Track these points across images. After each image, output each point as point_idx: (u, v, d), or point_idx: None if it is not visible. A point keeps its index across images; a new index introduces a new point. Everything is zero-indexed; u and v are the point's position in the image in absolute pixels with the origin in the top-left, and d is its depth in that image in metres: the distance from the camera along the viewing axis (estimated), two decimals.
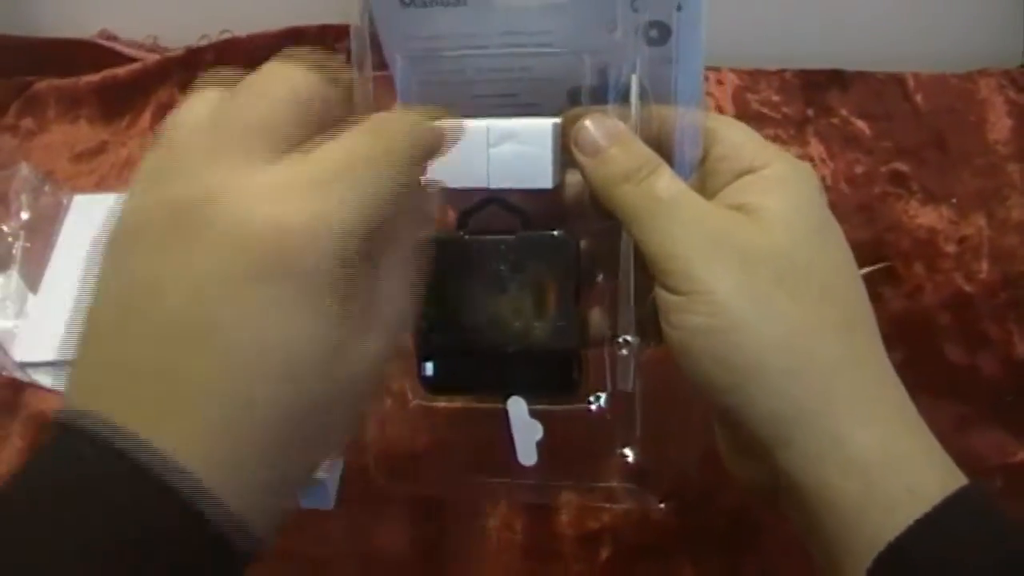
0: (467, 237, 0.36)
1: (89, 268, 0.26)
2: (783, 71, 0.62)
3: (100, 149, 0.65)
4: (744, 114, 0.61)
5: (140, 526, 0.22)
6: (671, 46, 0.33)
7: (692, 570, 0.42)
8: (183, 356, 0.24)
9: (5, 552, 0.22)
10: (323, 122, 0.27)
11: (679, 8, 0.33)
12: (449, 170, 0.31)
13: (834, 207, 0.32)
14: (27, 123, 0.66)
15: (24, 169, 0.61)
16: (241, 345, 0.24)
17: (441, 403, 0.40)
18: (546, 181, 0.34)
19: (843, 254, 0.31)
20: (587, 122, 0.32)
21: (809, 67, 0.62)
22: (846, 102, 0.60)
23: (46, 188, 0.61)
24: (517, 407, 0.36)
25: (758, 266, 0.29)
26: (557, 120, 0.34)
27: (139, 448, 0.23)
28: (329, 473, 0.43)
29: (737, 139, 0.33)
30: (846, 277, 0.31)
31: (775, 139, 0.59)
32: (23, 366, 0.53)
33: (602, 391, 0.36)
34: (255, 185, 0.25)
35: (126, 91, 0.66)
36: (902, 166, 0.57)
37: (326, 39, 0.62)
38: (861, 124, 0.59)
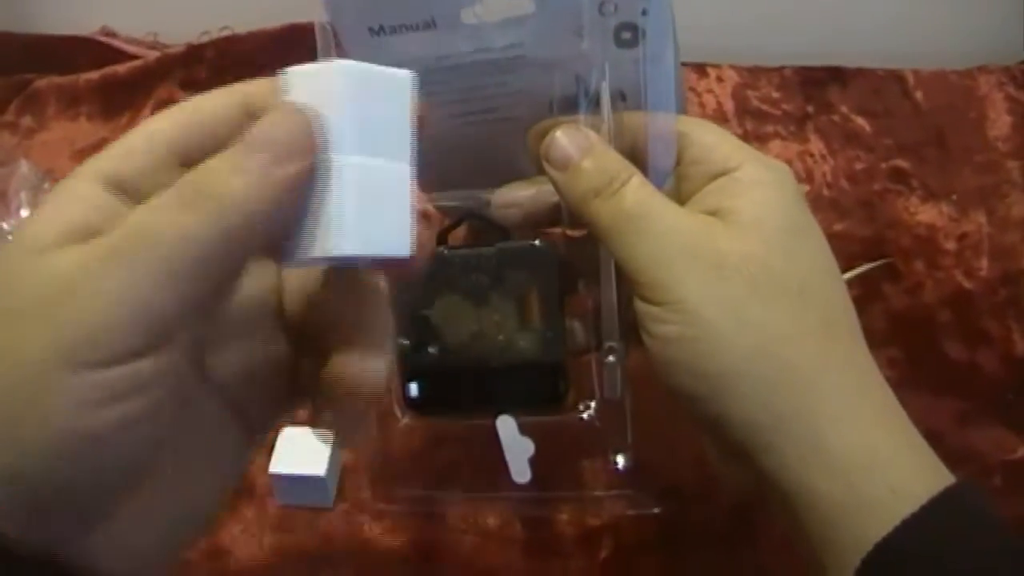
0: (446, 252, 0.36)
1: None
2: (783, 68, 0.62)
3: (100, 146, 0.61)
4: (744, 111, 0.61)
5: None
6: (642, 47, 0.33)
7: (691, 567, 0.42)
8: None
9: None
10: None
11: (644, 12, 0.32)
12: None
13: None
14: (27, 120, 0.65)
15: (24, 166, 0.60)
16: None
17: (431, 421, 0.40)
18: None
19: (821, 255, 0.31)
20: (558, 134, 0.32)
21: (809, 64, 0.62)
22: (846, 99, 0.60)
23: (46, 186, 0.60)
24: (507, 426, 0.36)
25: (732, 274, 0.29)
26: None
27: None
28: (329, 472, 0.43)
29: (709, 141, 0.32)
30: (824, 278, 0.30)
31: (775, 136, 0.59)
32: None
33: (591, 400, 0.36)
34: None
35: (126, 88, 0.66)
36: (902, 163, 0.57)
37: None
38: (861, 121, 0.59)
